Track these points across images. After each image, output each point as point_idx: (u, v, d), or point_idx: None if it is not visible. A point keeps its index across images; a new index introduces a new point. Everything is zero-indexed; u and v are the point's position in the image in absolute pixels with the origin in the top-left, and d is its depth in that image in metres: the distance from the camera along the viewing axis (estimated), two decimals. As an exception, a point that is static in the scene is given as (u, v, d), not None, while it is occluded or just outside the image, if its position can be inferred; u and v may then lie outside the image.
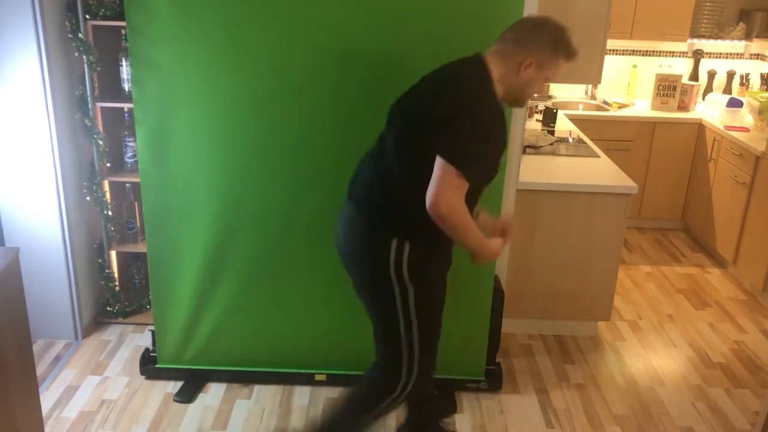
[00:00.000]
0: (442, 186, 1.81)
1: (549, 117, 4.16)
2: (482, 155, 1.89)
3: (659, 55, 5.05)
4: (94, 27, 2.98)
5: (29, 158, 2.93)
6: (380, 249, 1.98)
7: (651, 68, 5.03)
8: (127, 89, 3.11)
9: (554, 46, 1.96)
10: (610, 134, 4.58)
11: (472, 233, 1.92)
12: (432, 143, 1.86)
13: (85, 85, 3.02)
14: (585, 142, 3.87)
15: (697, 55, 4.97)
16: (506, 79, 1.96)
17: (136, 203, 3.25)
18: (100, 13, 2.94)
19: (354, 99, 2.52)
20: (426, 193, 1.83)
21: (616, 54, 5.01)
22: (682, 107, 4.78)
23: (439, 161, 1.83)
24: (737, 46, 4.98)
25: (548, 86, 5.05)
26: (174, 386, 2.89)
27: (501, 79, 1.96)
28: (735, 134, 4.17)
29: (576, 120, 4.47)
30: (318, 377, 2.87)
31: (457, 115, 1.87)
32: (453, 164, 1.81)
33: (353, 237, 2.06)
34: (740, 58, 5.03)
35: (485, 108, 1.91)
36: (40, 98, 2.85)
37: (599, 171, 3.35)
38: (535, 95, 4.93)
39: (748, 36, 4.84)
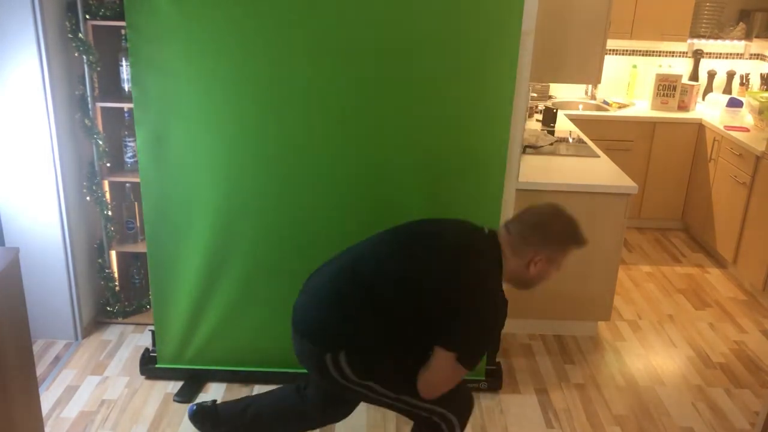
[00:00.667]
0: (444, 381, 1.90)
1: (549, 117, 4.16)
2: (483, 345, 1.95)
3: (659, 55, 5.05)
4: (94, 27, 2.98)
5: (29, 158, 2.93)
6: (316, 357, 1.96)
7: (651, 68, 5.03)
8: (127, 89, 3.11)
9: (563, 241, 1.96)
10: (610, 134, 4.58)
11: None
12: (432, 319, 1.88)
13: (85, 85, 3.02)
14: (585, 142, 3.87)
15: (697, 55, 4.97)
16: (515, 271, 1.97)
17: (136, 203, 3.25)
18: (100, 13, 2.94)
19: (357, 97, 2.52)
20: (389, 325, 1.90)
21: (616, 54, 5.01)
22: (682, 107, 4.78)
23: (441, 353, 1.86)
24: (737, 46, 4.98)
25: (548, 86, 5.05)
26: (174, 386, 2.89)
27: (510, 269, 1.97)
28: (735, 134, 4.17)
29: (576, 120, 4.47)
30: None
31: (467, 313, 1.86)
32: (466, 364, 1.86)
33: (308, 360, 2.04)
34: (740, 58, 5.03)
35: (494, 302, 1.91)
36: (40, 98, 2.85)
37: (599, 171, 3.35)
38: (534, 95, 4.93)
39: (748, 36, 4.84)
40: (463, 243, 1.99)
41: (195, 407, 2.38)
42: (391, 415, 2.76)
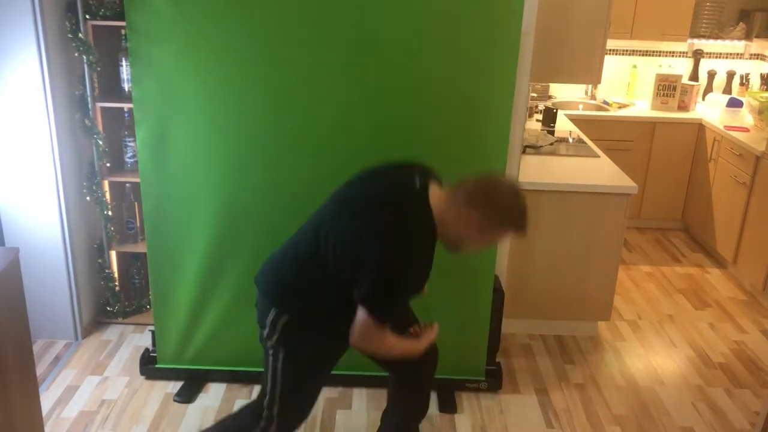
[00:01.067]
0: (366, 334, 1.88)
1: (549, 117, 4.16)
2: (405, 293, 1.91)
3: (659, 55, 5.05)
4: (94, 27, 2.98)
5: (29, 158, 2.93)
6: (263, 310, 2.07)
7: (651, 68, 5.03)
8: (127, 89, 3.11)
9: (503, 218, 1.87)
10: (610, 134, 4.58)
11: (397, 350, 2.01)
12: (357, 271, 1.86)
13: (85, 85, 3.02)
14: (585, 142, 3.87)
15: (697, 55, 4.97)
16: (445, 225, 1.88)
17: (136, 203, 3.25)
18: (100, 13, 2.94)
19: (357, 97, 2.52)
20: (332, 283, 1.92)
21: (616, 54, 5.01)
22: (682, 107, 4.78)
23: (361, 309, 1.86)
24: (737, 46, 4.98)
25: (548, 86, 5.05)
26: (174, 386, 2.89)
27: (440, 221, 1.88)
28: (735, 134, 4.17)
29: (576, 120, 4.47)
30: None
31: (390, 265, 1.82)
32: (376, 316, 1.85)
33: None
34: (740, 58, 5.03)
35: (420, 252, 1.85)
36: (40, 98, 2.85)
37: (599, 171, 3.35)
38: (534, 95, 4.93)
39: (748, 36, 4.84)
40: (389, 197, 1.94)
41: None
42: (391, 415, 2.77)
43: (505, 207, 1.86)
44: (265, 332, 2.05)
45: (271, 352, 2.07)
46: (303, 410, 2.18)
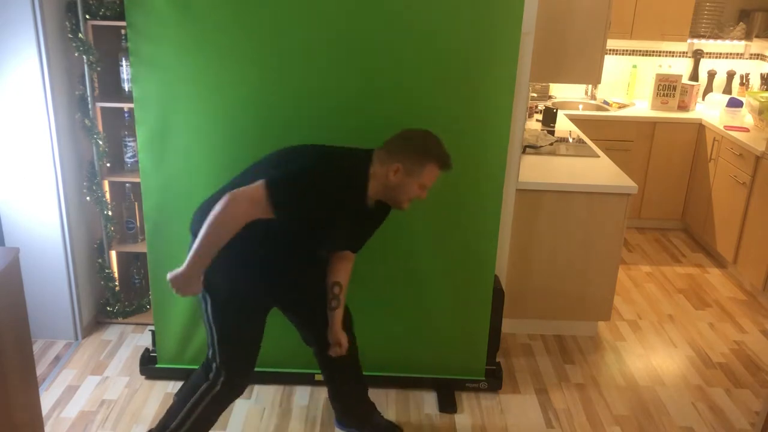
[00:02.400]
0: (241, 194, 1.94)
1: (549, 117, 4.17)
2: (299, 201, 2.00)
3: (659, 55, 5.05)
4: (94, 27, 2.98)
5: (29, 158, 2.93)
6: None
7: (651, 68, 5.03)
8: (127, 89, 3.11)
9: (421, 154, 2.07)
10: (610, 134, 4.58)
11: (205, 249, 1.98)
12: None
13: (85, 85, 3.02)
14: (585, 142, 3.87)
15: (697, 55, 4.97)
16: (380, 178, 2.08)
17: (136, 203, 3.25)
18: (100, 13, 2.94)
19: (357, 97, 2.52)
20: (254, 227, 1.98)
21: (616, 54, 5.01)
22: (682, 107, 4.79)
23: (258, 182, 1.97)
24: (737, 46, 4.98)
25: (548, 86, 5.05)
26: (174, 386, 2.89)
27: (375, 175, 2.09)
28: (735, 134, 4.17)
29: (576, 120, 4.47)
30: (318, 377, 2.86)
31: (307, 172, 2.03)
32: (266, 184, 1.94)
33: None
34: (740, 58, 5.03)
35: (338, 181, 2.04)
36: (40, 98, 2.85)
37: (599, 171, 3.35)
38: (534, 95, 4.93)
39: (748, 36, 4.84)
40: (338, 149, 2.17)
41: None
42: (392, 413, 2.76)
43: (419, 143, 2.09)
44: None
45: (201, 300, 2.16)
46: (246, 359, 2.24)
